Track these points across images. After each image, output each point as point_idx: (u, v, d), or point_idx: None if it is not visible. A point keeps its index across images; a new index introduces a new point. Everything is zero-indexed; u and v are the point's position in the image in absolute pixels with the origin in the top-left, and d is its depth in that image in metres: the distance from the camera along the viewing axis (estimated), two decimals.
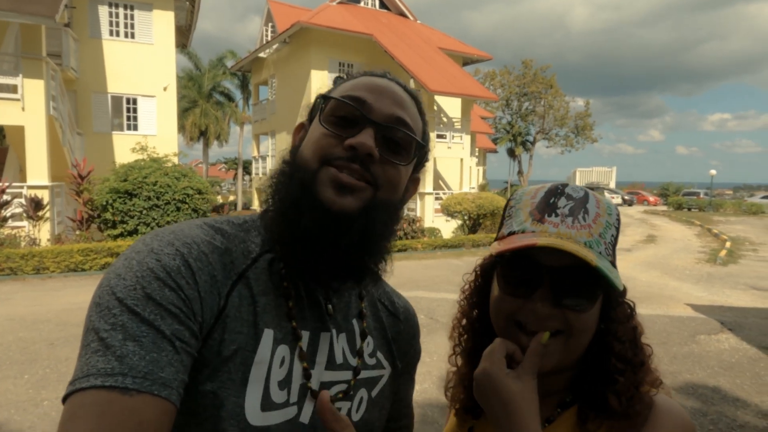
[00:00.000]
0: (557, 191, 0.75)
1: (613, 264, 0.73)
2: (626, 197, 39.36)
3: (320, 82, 18.66)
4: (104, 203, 11.27)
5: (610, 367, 0.74)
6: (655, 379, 0.76)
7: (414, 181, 0.83)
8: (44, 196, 11.31)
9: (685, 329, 6.81)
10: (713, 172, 33.27)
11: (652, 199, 41.17)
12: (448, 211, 16.65)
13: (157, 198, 11.53)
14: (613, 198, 37.52)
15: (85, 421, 0.54)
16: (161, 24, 16.39)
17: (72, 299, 7.93)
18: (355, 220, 0.70)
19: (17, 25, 11.48)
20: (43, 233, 11.18)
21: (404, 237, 14.89)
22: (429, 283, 7.32)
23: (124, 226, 11.40)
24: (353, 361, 0.81)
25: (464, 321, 0.88)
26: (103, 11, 15.64)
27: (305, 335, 0.75)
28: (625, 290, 0.78)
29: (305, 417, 0.73)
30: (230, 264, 0.70)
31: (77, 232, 11.48)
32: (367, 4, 22.85)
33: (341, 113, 0.73)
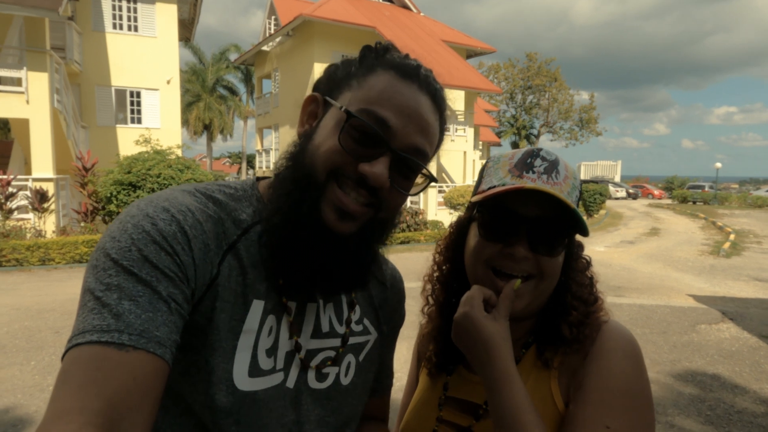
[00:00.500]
0: (534, 153, 0.83)
1: None
2: (631, 191, 39.20)
3: None
4: (108, 195, 11.35)
5: (566, 303, 0.83)
6: (606, 312, 0.86)
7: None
8: (49, 188, 11.39)
9: (686, 319, 6.82)
10: (718, 165, 33.06)
11: (656, 192, 40.99)
12: (451, 203, 16.65)
13: (161, 190, 11.58)
14: (617, 191, 37.38)
15: (81, 374, 0.55)
16: (164, 17, 16.41)
17: (77, 290, 7.96)
18: (350, 242, 0.71)
19: (21, 18, 11.54)
20: (49, 225, 11.28)
21: (407, 229, 14.92)
22: None
23: None
24: (340, 329, 0.84)
25: (438, 275, 0.94)
26: (107, 4, 15.68)
27: (293, 306, 0.77)
28: (582, 246, 0.89)
29: (291, 382, 0.77)
30: (222, 234, 0.71)
31: (82, 224, 11.57)
32: None
33: (362, 132, 0.70)
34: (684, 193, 33.48)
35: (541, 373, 0.82)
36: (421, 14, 23.88)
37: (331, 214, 0.70)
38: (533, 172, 0.79)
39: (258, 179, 0.83)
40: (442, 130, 0.80)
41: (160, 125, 16.40)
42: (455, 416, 0.87)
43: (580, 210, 0.80)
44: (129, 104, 16.38)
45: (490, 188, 0.81)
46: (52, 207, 11.34)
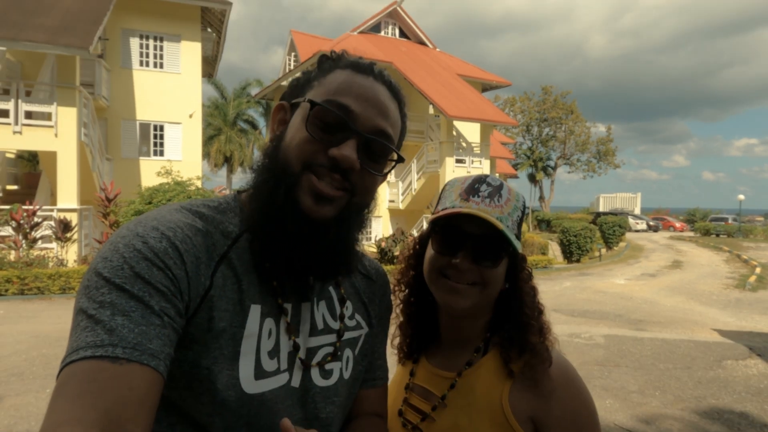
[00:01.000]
0: (480, 179, 0.96)
1: (518, 237, 0.95)
2: (651, 223, 38.53)
3: None
4: None
5: (522, 315, 0.96)
6: (549, 327, 0.99)
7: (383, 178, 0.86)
8: (73, 218, 11.67)
9: (711, 354, 6.59)
10: (741, 197, 32.42)
11: (678, 224, 40.20)
12: None
13: None
14: (638, 224, 36.78)
15: (76, 387, 0.55)
16: (189, 54, 17.04)
17: None
18: (331, 227, 0.75)
19: (53, 56, 12.09)
20: (71, 254, 11.51)
21: None
22: None
23: None
24: (335, 325, 0.86)
25: (403, 278, 1.08)
26: (134, 43, 16.37)
27: (288, 307, 0.79)
28: (526, 259, 1.02)
29: (296, 381, 0.79)
30: (212, 246, 0.73)
31: None
32: (387, 33, 23.37)
33: (327, 119, 0.74)
34: (707, 226, 32.79)
35: (495, 381, 0.93)
36: (437, 49, 24.38)
37: (308, 200, 0.73)
38: (478, 197, 0.93)
39: (238, 192, 0.86)
40: (404, 121, 0.85)
41: (181, 157, 16.82)
42: (418, 401, 1.01)
43: (531, 227, 0.88)
44: (152, 137, 16.86)
45: (443, 209, 0.95)
46: (75, 236, 11.58)
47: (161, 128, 16.92)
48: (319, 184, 0.73)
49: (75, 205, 12.01)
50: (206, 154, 34.13)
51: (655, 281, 13.53)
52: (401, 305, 1.08)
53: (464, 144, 20.06)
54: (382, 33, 23.19)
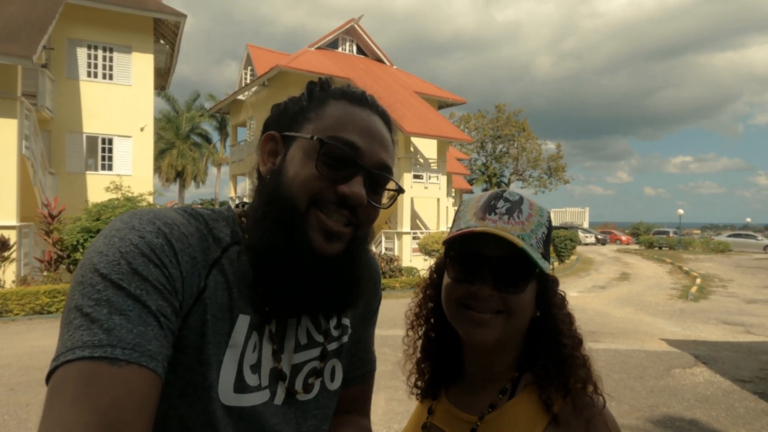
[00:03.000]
0: (497, 195, 0.87)
1: (545, 256, 0.84)
2: (599, 236, 40.15)
3: None
4: (75, 243, 10.99)
5: (561, 346, 0.85)
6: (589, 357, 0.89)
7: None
8: (11, 236, 10.98)
9: (661, 363, 6.87)
10: (681, 211, 34.33)
11: (624, 238, 42.07)
12: (426, 249, 16.71)
13: None
14: (587, 237, 38.20)
15: (73, 390, 0.53)
16: (140, 66, 16.54)
17: (36, 343, 7.59)
18: (341, 263, 0.75)
19: None
20: (8, 275, 10.80)
21: (383, 276, 14.81)
22: None
23: None
24: (319, 338, 0.85)
25: (420, 311, 0.99)
26: (82, 53, 15.75)
27: (273, 321, 0.77)
28: (557, 282, 0.91)
29: (279, 399, 0.77)
30: (207, 249, 0.72)
31: (45, 273, 11.12)
32: (345, 50, 23.53)
33: (335, 156, 0.73)
34: (650, 239, 34.47)
35: (529, 417, 0.82)
36: (394, 67, 24.74)
37: (319, 239, 0.72)
38: (495, 214, 0.83)
39: (235, 206, 0.84)
40: (394, 145, 0.85)
41: (131, 172, 16.20)
42: None
43: (552, 247, 0.83)
44: (100, 151, 16.18)
45: (458, 231, 0.85)
46: (14, 255, 10.90)
47: (110, 141, 16.28)
48: (328, 222, 0.73)
49: (14, 221, 11.31)
50: (157, 168, 33.06)
51: (606, 293, 14.05)
52: (420, 341, 0.98)
53: (421, 160, 20.34)
54: (340, 49, 23.34)
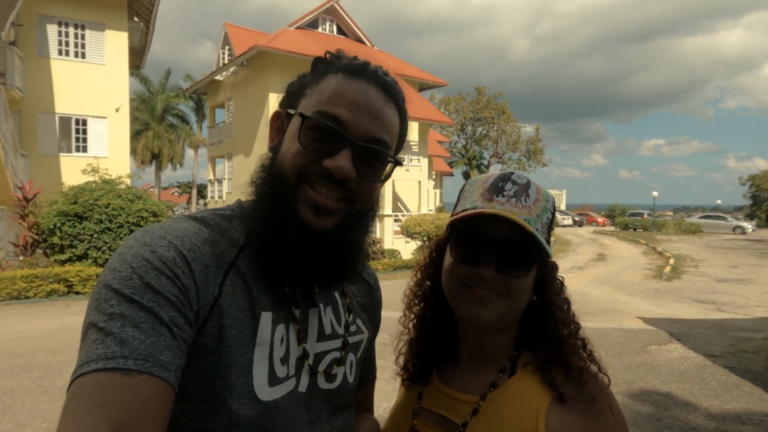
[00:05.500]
0: (505, 177, 0.86)
1: (547, 241, 0.84)
2: (576, 218, 40.90)
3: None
4: (51, 227, 10.75)
5: (558, 332, 0.85)
6: (588, 340, 0.89)
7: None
8: None
9: (637, 340, 7.11)
10: (655, 194, 35.14)
11: (600, 220, 42.96)
12: (408, 232, 16.81)
13: (110, 221, 11.11)
14: (564, 219, 38.89)
15: (87, 400, 0.55)
16: (114, 44, 16.04)
17: (15, 328, 7.47)
18: (331, 238, 0.75)
19: None
20: None
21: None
22: (390, 303, 7.29)
23: (73, 250, 10.89)
24: (340, 330, 0.87)
25: (418, 290, 0.97)
26: (52, 30, 15.18)
27: (297, 313, 0.80)
28: (557, 267, 0.90)
29: (302, 386, 0.79)
30: (220, 254, 0.73)
31: (20, 258, 10.87)
32: (325, 30, 23.17)
33: (318, 131, 0.74)
34: (625, 221, 35.26)
35: (527, 405, 0.81)
36: (375, 48, 24.48)
37: (308, 212, 0.73)
38: (503, 196, 0.82)
39: (242, 202, 0.86)
40: (403, 117, 0.83)
41: (107, 154, 15.81)
42: (429, 428, 0.88)
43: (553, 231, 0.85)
44: (74, 132, 15.73)
45: (463, 211, 0.84)
46: None
47: (84, 122, 15.83)
48: (317, 197, 0.73)
49: None
50: (132, 150, 32.28)
51: (584, 274, 14.38)
52: (414, 320, 0.98)
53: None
54: (320, 29, 22.97)
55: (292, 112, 0.79)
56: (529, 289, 0.85)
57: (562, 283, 0.90)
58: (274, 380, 0.74)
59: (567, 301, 0.89)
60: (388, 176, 0.81)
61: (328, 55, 0.83)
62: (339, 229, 0.76)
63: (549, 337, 0.85)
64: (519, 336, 0.89)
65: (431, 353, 0.96)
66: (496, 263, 0.81)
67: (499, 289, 0.81)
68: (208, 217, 0.77)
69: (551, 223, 0.86)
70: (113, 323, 0.59)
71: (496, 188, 0.83)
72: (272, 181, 0.76)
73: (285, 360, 0.76)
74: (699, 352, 6.51)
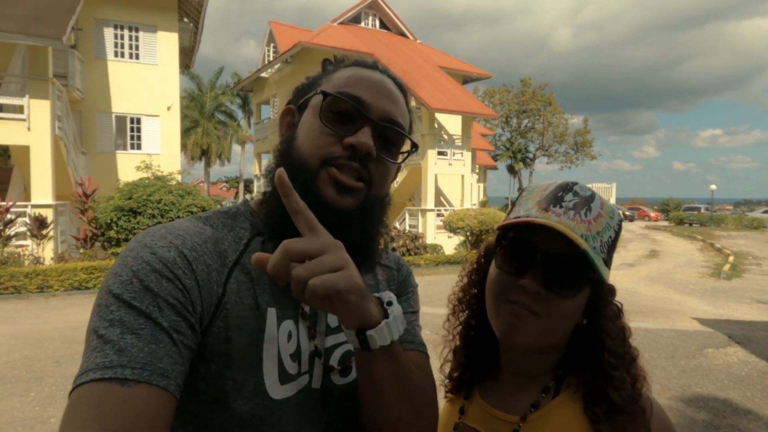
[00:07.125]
0: (567, 187, 0.79)
1: (606, 263, 0.77)
2: (627, 213, 39.40)
3: None
4: (108, 221, 11.30)
5: (603, 362, 0.78)
6: (644, 376, 0.80)
7: (396, 169, 0.85)
8: (48, 214, 11.34)
9: (693, 343, 6.77)
10: (713, 187, 33.34)
11: (653, 214, 41.19)
12: (450, 227, 16.66)
13: (162, 216, 11.57)
14: None
15: (85, 411, 0.55)
16: (165, 45, 16.64)
17: (76, 317, 7.91)
18: (354, 218, 0.74)
19: (24, 47, 11.66)
20: (47, 252, 11.19)
21: (407, 253, 14.87)
22: (433, 299, 7.29)
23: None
24: None
25: (464, 297, 0.93)
26: (109, 33, 15.90)
27: (306, 308, 0.78)
28: (614, 291, 0.83)
29: (316, 383, 0.77)
30: (224, 252, 0.72)
31: (81, 251, 11.49)
32: (368, 25, 23.20)
33: (340, 110, 0.75)
34: (680, 215, 33.66)
35: (572, 424, 0.77)
36: (418, 41, 24.32)
37: (330, 191, 0.73)
38: (561, 207, 0.76)
39: (247, 201, 0.86)
40: (411, 113, 0.85)
41: (159, 151, 16.46)
42: None
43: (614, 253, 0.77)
44: (129, 130, 16.46)
45: (516, 218, 0.79)
46: (51, 233, 11.27)
47: (138, 121, 16.53)
48: (339, 175, 0.73)
49: (50, 200, 11.67)
50: (183, 147, 33.51)
51: (635, 271, 13.84)
52: (459, 327, 0.94)
53: (446, 136, 20.11)
54: (363, 24, 23.02)
55: (304, 99, 0.80)
56: (574, 312, 0.78)
57: (620, 310, 0.82)
58: (285, 377, 0.73)
59: (622, 330, 0.81)
60: (404, 160, 0.82)
61: (335, 57, 0.86)
62: (358, 211, 0.75)
63: (594, 366, 0.78)
64: (566, 357, 0.83)
65: (475, 365, 0.92)
66: (541, 277, 0.74)
67: (537, 307, 0.75)
68: (213, 216, 0.78)
69: (614, 243, 0.79)
70: (113, 330, 0.59)
71: (555, 198, 0.77)
72: (292, 165, 0.74)
73: (296, 357, 0.75)
74: (761, 357, 6.13)
